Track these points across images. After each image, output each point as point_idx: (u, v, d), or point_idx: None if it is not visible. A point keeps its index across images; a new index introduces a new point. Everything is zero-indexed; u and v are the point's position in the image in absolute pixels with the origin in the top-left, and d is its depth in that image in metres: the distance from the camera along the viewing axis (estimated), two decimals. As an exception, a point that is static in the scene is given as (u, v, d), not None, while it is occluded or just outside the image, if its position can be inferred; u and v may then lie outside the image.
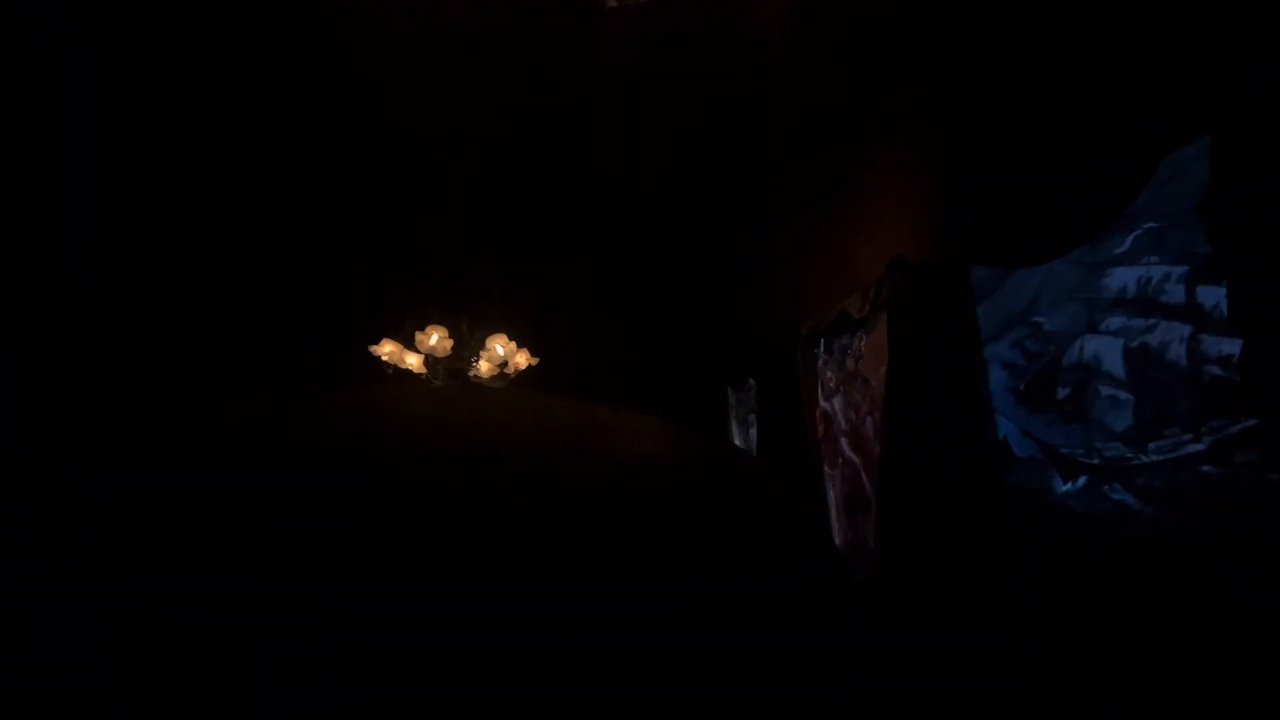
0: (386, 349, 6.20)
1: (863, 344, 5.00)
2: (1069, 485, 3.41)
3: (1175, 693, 3.04)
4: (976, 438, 3.99)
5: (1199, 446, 2.88)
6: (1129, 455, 3.11)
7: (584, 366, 7.37)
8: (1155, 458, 3.02)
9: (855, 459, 5.10)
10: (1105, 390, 3.18)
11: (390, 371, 6.32)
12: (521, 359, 6.31)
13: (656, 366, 7.48)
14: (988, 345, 3.99)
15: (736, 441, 6.96)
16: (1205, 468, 2.90)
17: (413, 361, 6.33)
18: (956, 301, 4.12)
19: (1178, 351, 2.92)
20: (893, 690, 4.41)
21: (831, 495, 5.43)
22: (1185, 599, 2.90)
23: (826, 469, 5.48)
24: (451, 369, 6.27)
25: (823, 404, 5.49)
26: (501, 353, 6.09)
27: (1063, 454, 3.42)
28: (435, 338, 5.98)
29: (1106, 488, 3.25)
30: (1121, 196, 3.14)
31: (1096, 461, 3.26)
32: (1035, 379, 3.55)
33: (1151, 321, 3.01)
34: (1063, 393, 3.40)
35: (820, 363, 5.48)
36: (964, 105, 4.04)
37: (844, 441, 5.22)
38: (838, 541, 5.39)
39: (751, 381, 6.54)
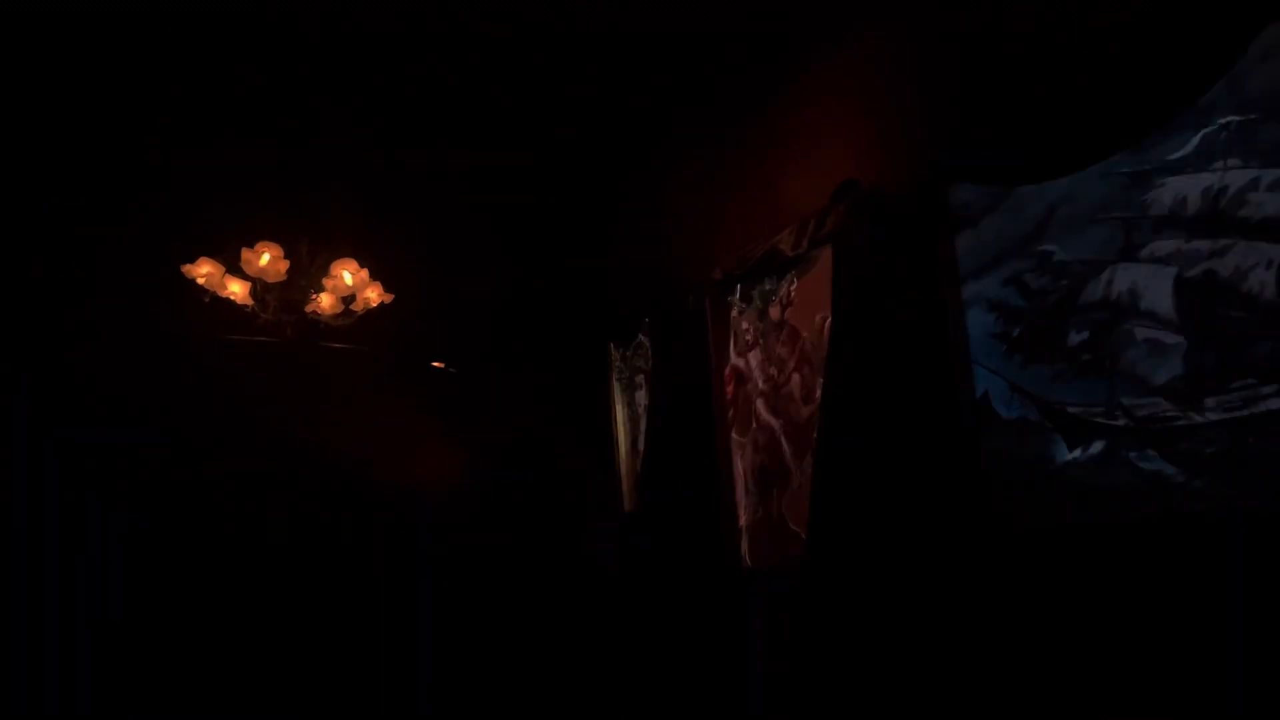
0: (203, 270, 5.02)
1: (793, 288, 4.24)
2: (1076, 452, 2.71)
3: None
4: (947, 396, 3.28)
5: (1289, 402, 2.19)
6: (1173, 414, 2.43)
7: (444, 311, 6.38)
8: (1214, 416, 2.33)
9: (774, 423, 4.34)
10: (1143, 332, 2.50)
11: (207, 300, 5.15)
12: (373, 294, 5.25)
13: (528, 316, 6.56)
14: (968, 283, 3.28)
15: (618, 408, 6.11)
16: (1294, 428, 2.20)
17: (236, 290, 5.16)
18: (927, 232, 3.39)
19: (1261, 280, 2.24)
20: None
21: (739, 466, 4.66)
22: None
23: (735, 436, 4.70)
24: (285, 300, 5.15)
25: (735, 360, 4.71)
26: (350, 282, 5.02)
27: (1071, 414, 2.73)
28: (266, 258, 4.85)
29: (1134, 455, 2.57)
30: (1191, 85, 2.45)
31: (1121, 423, 2.58)
32: (1036, 322, 2.83)
33: (1223, 242, 2.33)
34: (1077, 338, 2.72)
35: (735, 312, 4.70)
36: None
37: (760, 403, 4.46)
38: (744, 521, 4.62)
39: (643, 338, 5.70)
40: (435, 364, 6.54)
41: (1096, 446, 2.77)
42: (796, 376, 4.17)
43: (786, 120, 4.43)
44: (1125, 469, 2.69)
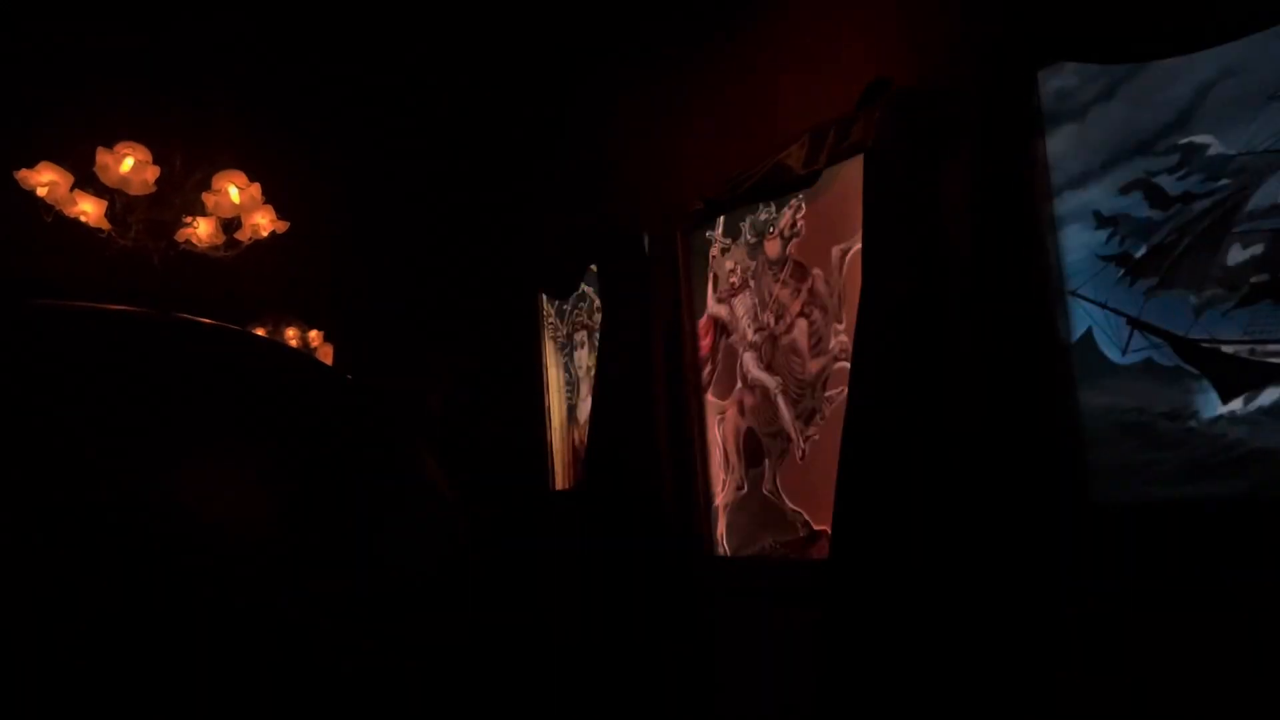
0: (45, 179, 3.97)
1: (800, 215, 3.50)
2: (1235, 404, 2.05)
3: None
4: (1029, 337, 2.59)
5: None
6: None
7: (347, 249, 5.44)
8: None
9: (768, 381, 3.60)
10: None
11: (50, 219, 4.09)
12: (263, 219, 4.28)
13: (447, 262, 5.65)
14: (1063, 194, 2.60)
15: (551, 371, 5.28)
16: None
17: (88, 209, 4.13)
18: (1004, 133, 2.70)
19: None
20: None
21: (716, 434, 3.90)
22: None
23: (712, 398, 3.94)
24: (152, 221, 4.14)
25: (714, 308, 3.94)
26: (235, 199, 4.04)
27: (1227, 354, 2.05)
28: (130, 163, 3.84)
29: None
30: None
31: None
32: (1174, 237, 2.15)
33: None
34: (1243, 254, 2.06)
35: (716, 250, 3.93)
36: None
37: (749, 357, 3.70)
38: (719, 500, 3.87)
39: (585, 288, 4.88)
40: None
41: (1269, 395, 2.12)
42: (803, 323, 3.43)
43: (787, 6, 3.67)
44: (1315, 423, 2.04)
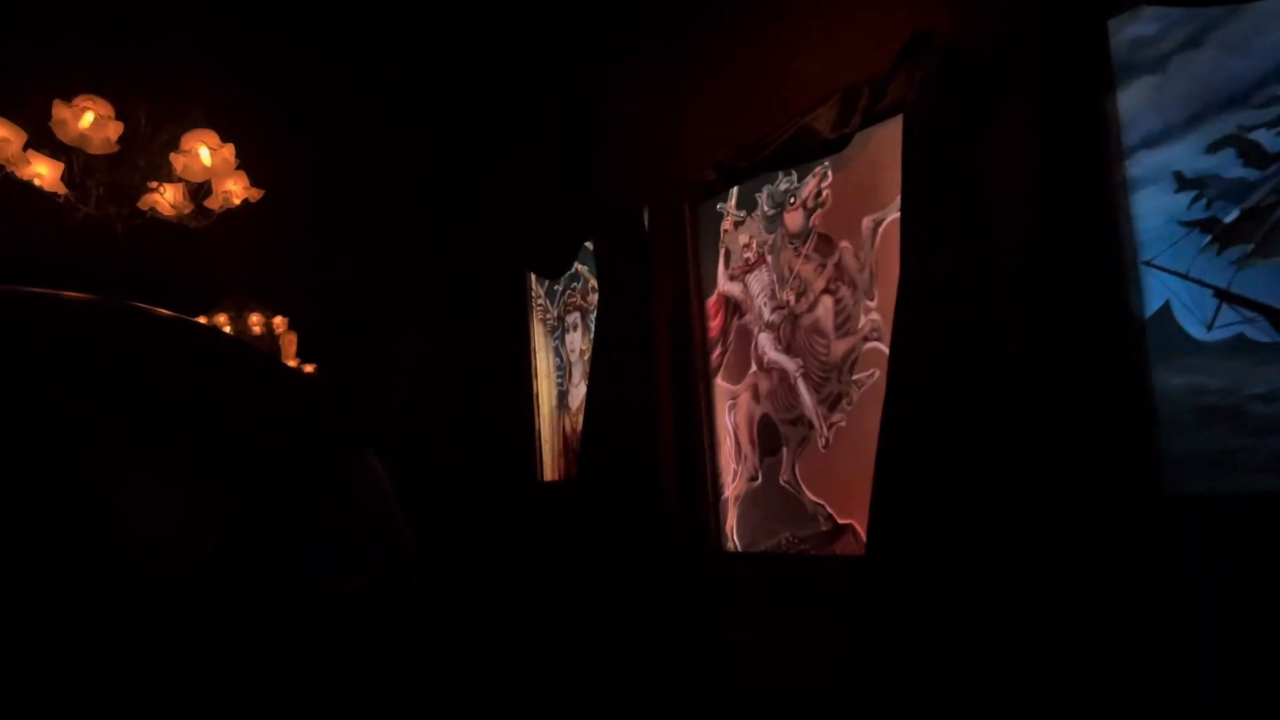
0: (-5, 135, 3.62)
1: (826, 184, 3.24)
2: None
3: None
4: (1096, 312, 2.35)
5: None
6: None
7: (319, 223, 5.09)
8: None
9: (787, 364, 3.34)
10: None
11: None
12: (236, 185, 3.93)
13: (427, 239, 5.33)
14: (1138, 154, 2.36)
15: (539, 355, 4.99)
16: None
17: (44, 170, 3.77)
18: (1070, 89, 2.45)
19: None
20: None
21: (727, 422, 3.64)
22: None
23: (722, 382, 3.68)
24: (115, 185, 3.80)
25: (725, 286, 3.67)
26: (206, 161, 3.70)
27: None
28: (90, 118, 3.49)
29: None
30: None
31: None
32: (1271, 199, 1.91)
33: None
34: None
35: (729, 223, 3.66)
36: None
37: (765, 338, 3.44)
38: (728, 492, 3.61)
39: (580, 267, 4.60)
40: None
41: (1389, 373, 1.89)
42: (828, 300, 3.18)
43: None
44: None
